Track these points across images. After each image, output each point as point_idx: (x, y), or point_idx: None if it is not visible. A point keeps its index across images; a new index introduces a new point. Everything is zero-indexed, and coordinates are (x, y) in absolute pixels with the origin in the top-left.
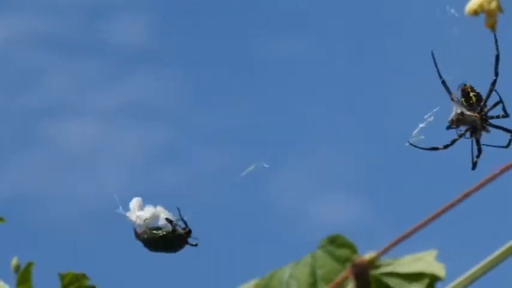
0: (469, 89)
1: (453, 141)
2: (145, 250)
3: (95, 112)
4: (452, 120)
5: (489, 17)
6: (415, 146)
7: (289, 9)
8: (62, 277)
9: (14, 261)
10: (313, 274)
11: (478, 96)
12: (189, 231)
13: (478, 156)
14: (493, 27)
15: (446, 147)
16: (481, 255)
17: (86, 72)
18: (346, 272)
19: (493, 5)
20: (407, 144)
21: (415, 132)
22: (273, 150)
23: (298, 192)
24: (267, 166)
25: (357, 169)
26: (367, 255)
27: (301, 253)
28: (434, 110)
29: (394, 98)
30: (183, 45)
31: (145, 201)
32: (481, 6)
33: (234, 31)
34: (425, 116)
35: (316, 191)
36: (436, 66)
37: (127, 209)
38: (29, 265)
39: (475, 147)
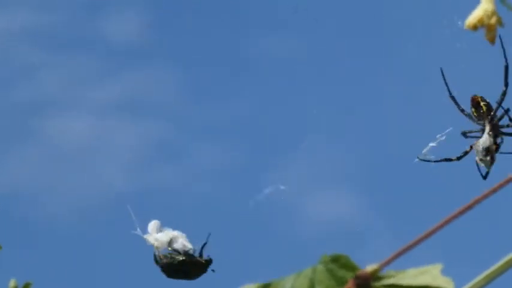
0: (479, 99)
1: (465, 153)
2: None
3: (91, 108)
4: (477, 150)
5: (489, 32)
6: (426, 161)
7: (286, 7)
8: None
9: (12, 283)
10: None
11: (489, 106)
12: (210, 260)
13: (485, 177)
14: (492, 41)
15: (459, 158)
16: (484, 266)
17: (82, 67)
18: (348, 283)
19: (493, 20)
20: (416, 160)
21: (424, 150)
22: (271, 145)
23: (294, 187)
24: (284, 188)
25: (354, 165)
26: (369, 267)
27: (297, 251)
28: (447, 130)
29: (388, 94)
30: (180, 41)
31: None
32: (480, 21)
33: (231, 27)
34: (438, 136)
35: (312, 187)
36: (445, 81)
37: (142, 227)
38: (27, 286)
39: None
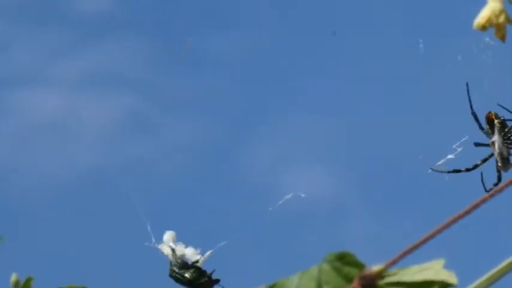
0: (494, 116)
1: (475, 166)
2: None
3: (62, 81)
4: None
5: (498, 31)
6: (438, 171)
7: None
8: None
9: (13, 277)
10: None
11: (503, 122)
12: (218, 281)
13: (496, 184)
14: (503, 39)
15: (468, 170)
16: (487, 267)
17: (51, 41)
18: (354, 283)
19: (502, 18)
20: (429, 171)
21: (441, 162)
22: (244, 120)
23: (270, 164)
24: (304, 196)
25: (329, 141)
26: (375, 267)
27: (275, 228)
28: (463, 139)
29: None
30: (150, 13)
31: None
32: (489, 20)
33: None
34: (454, 146)
35: (287, 163)
36: (469, 97)
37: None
38: (29, 280)
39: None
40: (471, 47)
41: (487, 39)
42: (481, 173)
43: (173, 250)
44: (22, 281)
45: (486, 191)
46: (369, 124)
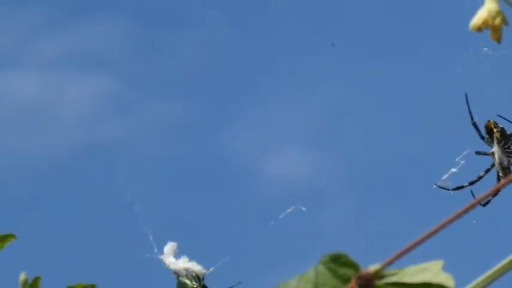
0: (493, 125)
1: (479, 178)
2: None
3: (40, 62)
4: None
5: (494, 32)
6: (443, 188)
7: None
8: None
9: (22, 276)
10: None
11: (502, 131)
12: None
13: (494, 195)
14: (498, 41)
15: (471, 183)
16: (486, 266)
17: (28, 22)
18: (351, 284)
19: (498, 20)
20: (434, 186)
21: (445, 176)
22: (225, 102)
23: (253, 146)
24: (305, 209)
25: (312, 122)
26: (372, 267)
27: (257, 211)
28: (465, 152)
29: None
30: None
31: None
32: (485, 22)
33: None
34: (457, 159)
35: (271, 145)
36: (469, 108)
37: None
38: (37, 279)
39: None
40: (470, 58)
41: (486, 49)
42: (471, 191)
43: (178, 264)
44: (30, 280)
45: (482, 205)
46: (356, 109)
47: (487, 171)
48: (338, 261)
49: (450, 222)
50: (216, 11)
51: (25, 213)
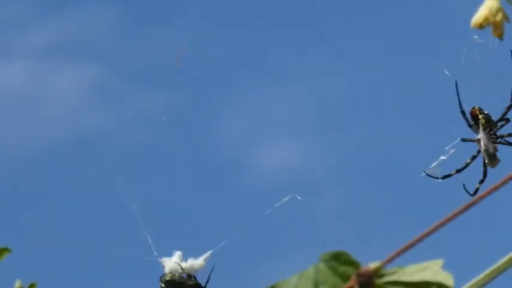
0: (478, 112)
1: (466, 165)
2: None
3: (25, 52)
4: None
5: (496, 29)
6: (431, 176)
7: None
8: None
9: (17, 283)
10: None
11: (487, 117)
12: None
13: (481, 182)
14: (500, 38)
15: (459, 171)
16: (485, 264)
17: (13, 11)
18: (351, 281)
19: (499, 17)
20: (423, 174)
21: (434, 164)
22: (214, 91)
23: (241, 137)
24: (300, 198)
25: (302, 112)
26: (372, 265)
27: (248, 202)
28: (455, 141)
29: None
30: None
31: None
32: (486, 19)
33: None
34: (447, 148)
35: (260, 136)
36: (458, 95)
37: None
38: (32, 286)
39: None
40: (460, 46)
41: (475, 36)
42: (463, 184)
43: (175, 267)
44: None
45: (471, 195)
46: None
47: (473, 158)
48: (339, 259)
49: (449, 220)
50: (204, 0)
51: (6, 208)
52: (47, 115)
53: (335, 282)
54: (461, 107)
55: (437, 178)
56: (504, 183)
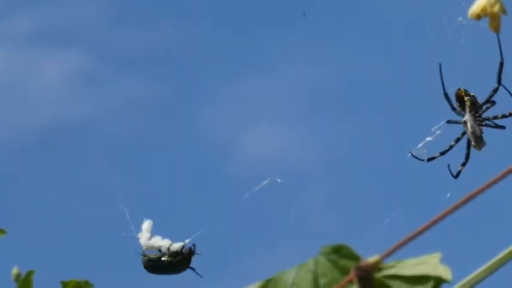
0: (463, 93)
1: (450, 147)
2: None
3: (8, 40)
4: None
5: (493, 20)
6: (416, 158)
7: None
8: (64, 285)
9: (15, 270)
10: (315, 282)
11: (472, 99)
12: (192, 251)
13: (463, 165)
14: (497, 30)
15: (443, 153)
16: (485, 257)
17: None
18: (350, 275)
19: (496, 8)
20: (409, 155)
21: (420, 145)
22: (203, 80)
23: (230, 124)
24: (280, 181)
25: (289, 99)
26: (371, 258)
27: (238, 189)
28: (442, 122)
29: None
30: None
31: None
32: (484, 10)
33: None
34: (433, 129)
35: (248, 123)
36: (441, 78)
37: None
38: (30, 274)
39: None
40: (445, 28)
41: (460, 18)
42: (448, 165)
43: (151, 243)
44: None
45: (454, 176)
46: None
47: (458, 140)
48: (339, 253)
49: (448, 214)
50: None
51: None
52: (31, 101)
53: (335, 275)
54: (444, 90)
55: (423, 160)
56: (504, 176)
